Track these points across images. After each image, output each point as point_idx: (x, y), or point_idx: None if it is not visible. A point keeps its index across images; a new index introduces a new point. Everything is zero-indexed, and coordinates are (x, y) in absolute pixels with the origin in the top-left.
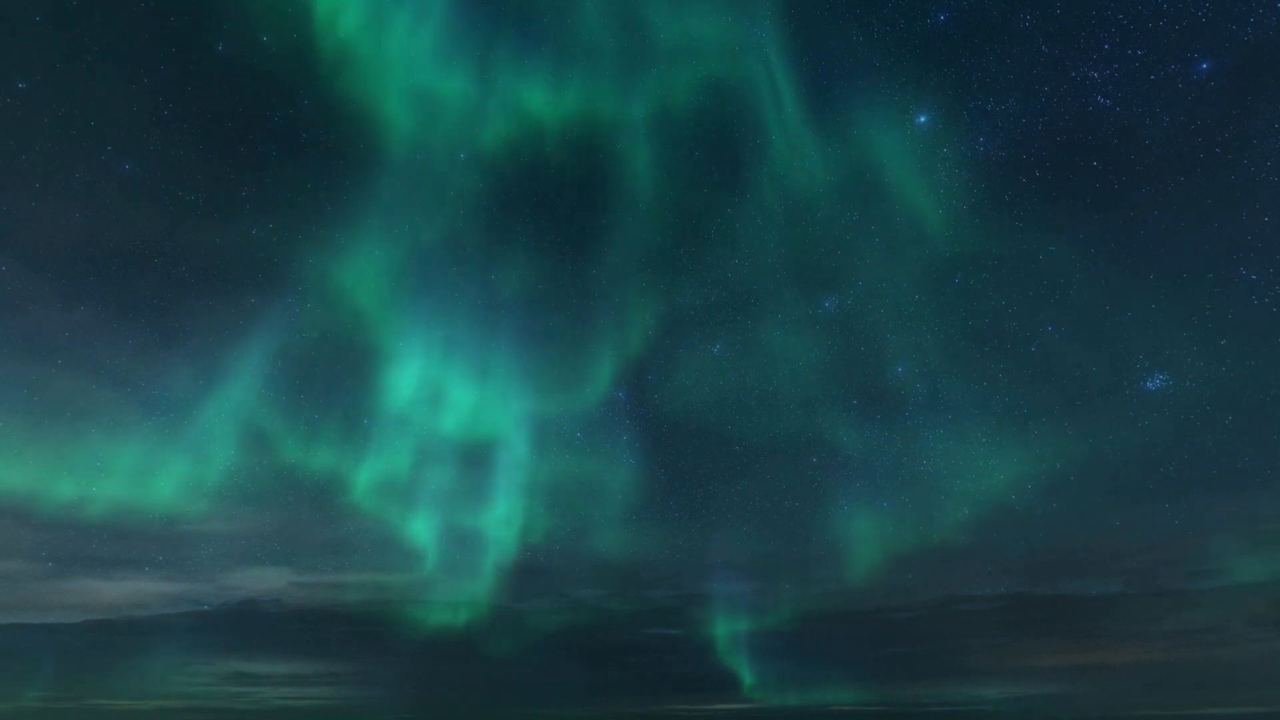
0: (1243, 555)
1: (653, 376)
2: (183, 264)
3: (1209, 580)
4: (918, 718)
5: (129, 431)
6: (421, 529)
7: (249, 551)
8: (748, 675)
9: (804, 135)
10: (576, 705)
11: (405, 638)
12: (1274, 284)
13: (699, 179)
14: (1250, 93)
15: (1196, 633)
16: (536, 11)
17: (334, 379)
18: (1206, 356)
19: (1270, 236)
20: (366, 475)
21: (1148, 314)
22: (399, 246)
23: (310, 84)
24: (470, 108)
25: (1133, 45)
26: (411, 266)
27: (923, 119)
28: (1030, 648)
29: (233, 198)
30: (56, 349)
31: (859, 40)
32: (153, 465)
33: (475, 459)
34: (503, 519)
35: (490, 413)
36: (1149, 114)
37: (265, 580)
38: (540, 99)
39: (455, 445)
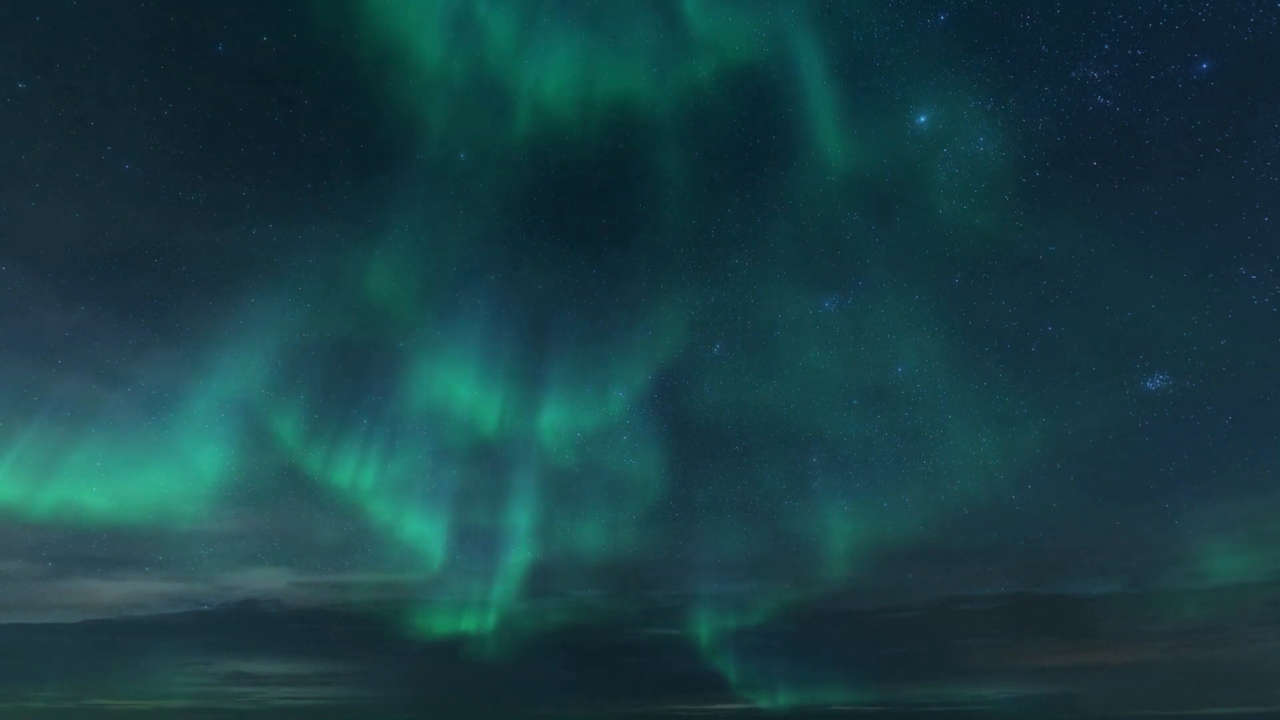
0: (1243, 555)
1: (655, 377)
2: (183, 264)
3: (1209, 580)
4: (917, 718)
5: (129, 431)
6: (421, 529)
7: (249, 551)
8: (747, 675)
9: (807, 135)
10: (577, 706)
11: (405, 638)
12: (1274, 284)
13: (711, 176)
14: (1250, 93)
15: (1196, 633)
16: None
17: (334, 379)
18: (1206, 356)
19: (1270, 236)
20: (366, 475)
21: (1148, 314)
22: (400, 246)
23: (311, 84)
24: (489, 101)
25: (1133, 45)
26: (412, 266)
27: (923, 119)
28: (1030, 648)
29: (233, 198)
30: (56, 349)
31: (859, 39)
32: (153, 465)
33: (476, 459)
34: (503, 519)
35: (491, 413)
36: (1149, 114)
37: (265, 580)
38: (561, 92)
39: (456, 445)
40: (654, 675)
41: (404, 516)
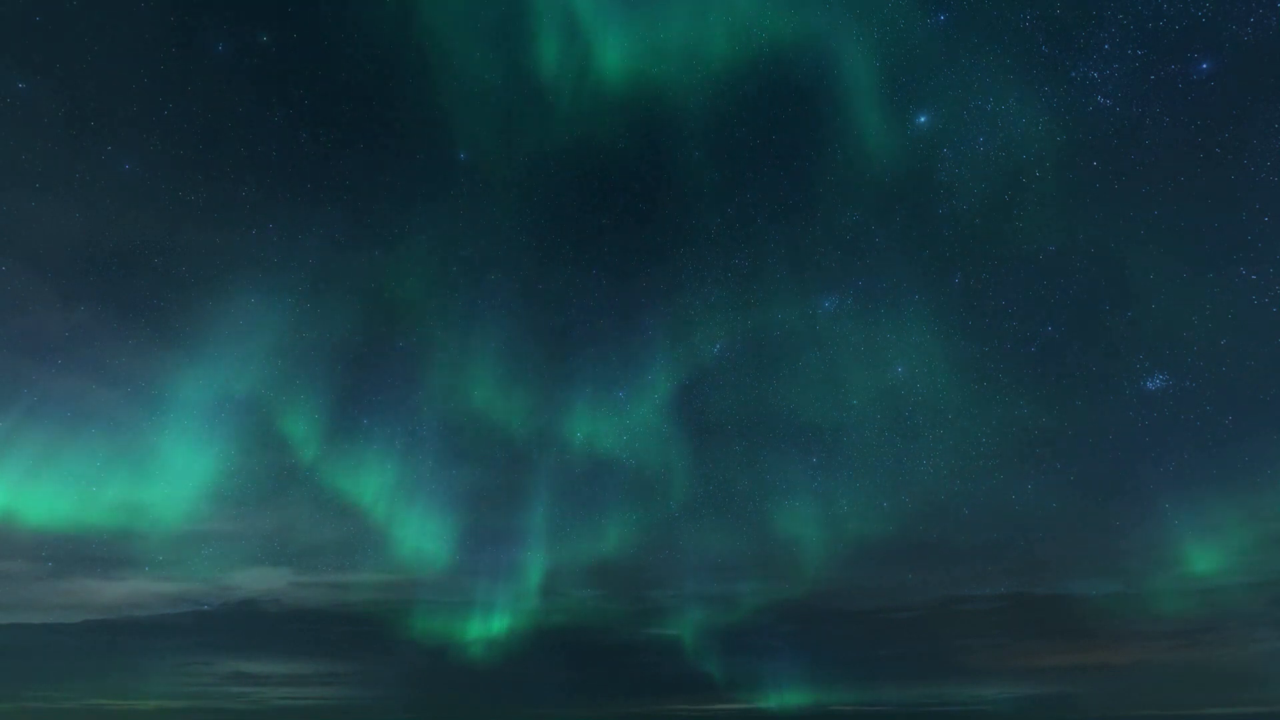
0: (1243, 555)
1: (655, 377)
2: (183, 264)
3: (1209, 580)
4: (917, 718)
5: (129, 431)
6: (421, 529)
7: (249, 551)
8: (747, 676)
9: (807, 135)
10: (577, 706)
11: (405, 638)
12: (1274, 284)
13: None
14: (1250, 93)
15: (1196, 633)
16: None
17: (334, 379)
18: (1206, 356)
19: (1270, 236)
20: (366, 475)
21: (1148, 314)
22: (400, 246)
23: (311, 84)
24: (500, 96)
25: (1133, 45)
26: (412, 266)
27: (922, 119)
28: (1030, 648)
29: (233, 198)
30: (56, 349)
31: (859, 39)
32: (152, 465)
33: (476, 459)
34: (503, 520)
35: (491, 413)
36: (1149, 114)
37: (265, 580)
38: (561, 92)
39: (456, 445)
40: (654, 676)
41: (404, 517)
